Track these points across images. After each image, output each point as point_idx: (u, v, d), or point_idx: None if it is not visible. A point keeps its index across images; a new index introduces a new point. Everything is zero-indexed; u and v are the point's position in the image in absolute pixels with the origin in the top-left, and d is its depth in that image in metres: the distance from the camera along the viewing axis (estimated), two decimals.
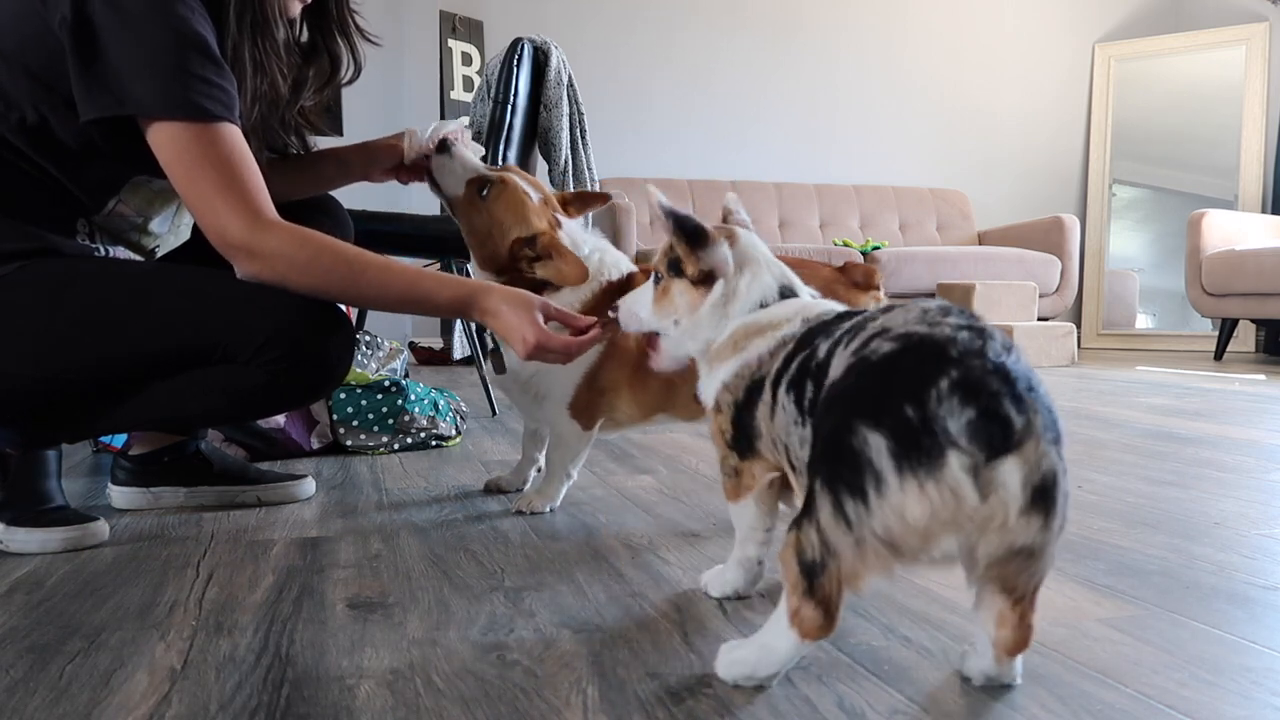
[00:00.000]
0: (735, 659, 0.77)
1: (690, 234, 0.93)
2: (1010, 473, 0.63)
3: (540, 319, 1.18)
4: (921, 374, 0.65)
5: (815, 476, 0.69)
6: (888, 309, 0.77)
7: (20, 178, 1.15)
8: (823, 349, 0.80)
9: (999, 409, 0.63)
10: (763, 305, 0.94)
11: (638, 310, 1.04)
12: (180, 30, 1.08)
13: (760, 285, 0.95)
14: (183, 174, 1.11)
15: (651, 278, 1.02)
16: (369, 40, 1.43)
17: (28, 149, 1.14)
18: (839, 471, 0.66)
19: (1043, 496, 0.64)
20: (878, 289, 1.32)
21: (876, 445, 0.64)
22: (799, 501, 0.89)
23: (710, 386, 0.97)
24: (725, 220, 1.07)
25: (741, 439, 0.93)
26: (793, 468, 0.86)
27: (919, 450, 0.62)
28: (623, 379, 1.38)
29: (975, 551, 0.65)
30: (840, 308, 0.93)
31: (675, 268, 0.97)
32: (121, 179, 1.23)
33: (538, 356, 1.18)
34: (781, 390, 0.85)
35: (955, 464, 0.62)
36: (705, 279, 0.96)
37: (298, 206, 1.45)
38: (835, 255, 4.50)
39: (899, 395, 0.65)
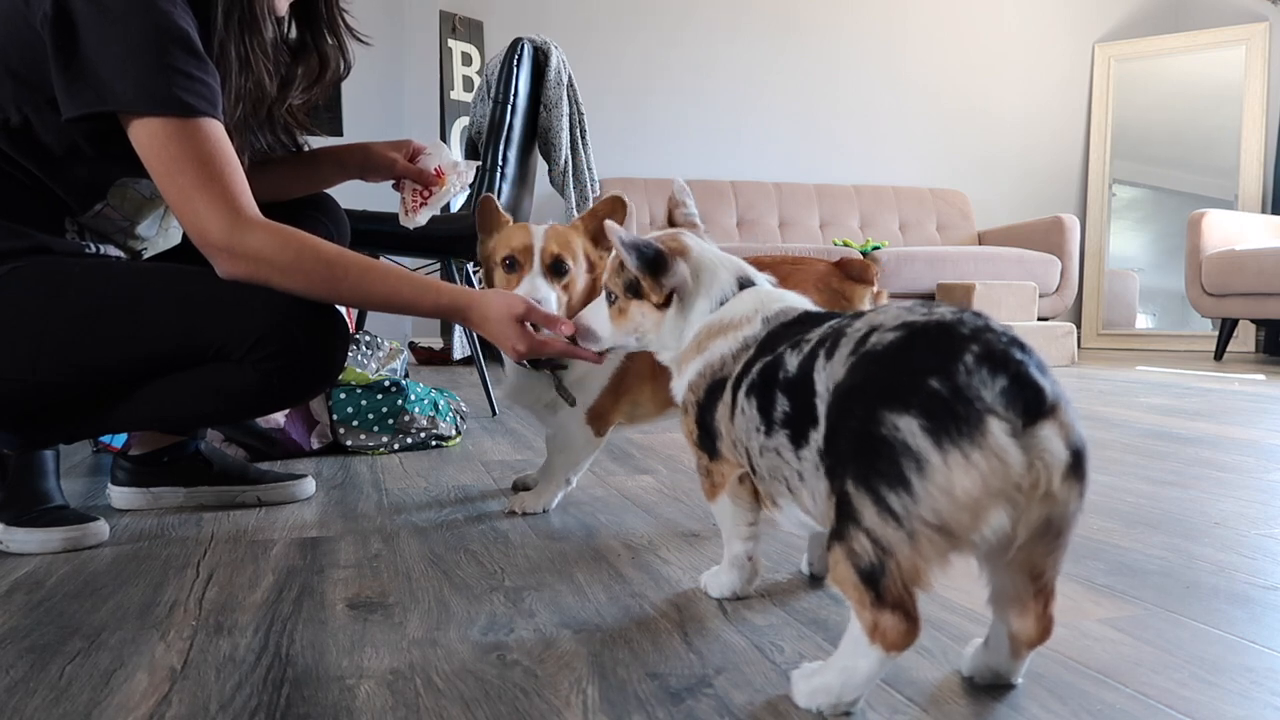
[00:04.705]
0: (816, 687, 0.72)
1: (652, 264, 0.94)
2: (1051, 436, 0.62)
3: (527, 325, 1.20)
4: (940, 352, 0.64)
5: (844, 479, 0.67)
6: (861, 314, 0.77)
7: (5, 180, 1.15)
8: (792, 361, 0.78)
9: (1029, 376, 0.63)
10: (722, 302, 0.95)
11: (596, 329, 1.06)
12: (161, 25, 1.07)
13: (719, 286, 0.96)
14: (162, 171, 1.10)
15: (604, 296, 1.04)
16: (359, 40, 1.42)
17: (11, 151, 1.13)
18: (874, 466, 0.64)
19: (1078, 461, 0.64)
20: (873, 283, 1.32)
21: (908, 427, 0.62)
22: (766, 506, 0.90)
23: (679, 388, 0.98)
24: (672, 213, 1.08)
25: (707, 438, 0.93)
26: (754, 471, 0.86)
27: (956, 420, 0.61)
28: (646, 375, 1.38)
29: (1017, 526, 0.63)
30: (801, 306, 0.93)
31: (634, 289, 0.99)
32: (106, 181, 1.22)
33: (533, 356, 1.21)
34: (741, 394, 0.84)
35: (997, 429, 0.61)
36: (668, 300, 0.97)
37: (294, 204, 1.45)
38: (835, 255, 4.49)
39: (922, 374, 0.63)
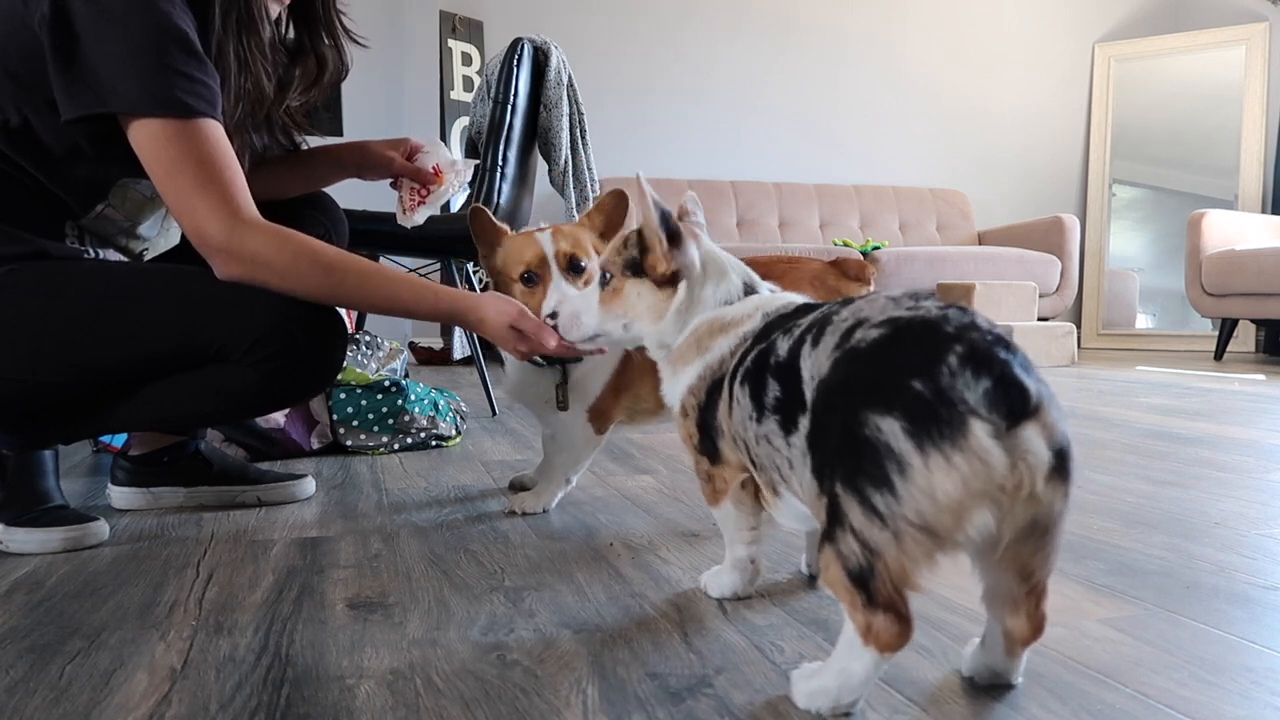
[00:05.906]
0: (815, 689, 0.72)
1: (671, 232, 0.93)
2: (1033, 437, 0.62)
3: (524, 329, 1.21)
4: (924, 352, 0.63)
5: (833, 480, 0.66)
6: (848, 302, 0.76)
7: (5, 181, 1.15)
8: (783, 346, 0.78)
9: (1013, 376, 0.62)
10: (728, 303, 0.95)
11: (581, 315, 1.01)
12: (161, 25, 1.06)
13: (727, 284, 0.95)
14: (162, 172, 1.10)
15: (598, 278, 1.01)
16: (356, 42, 1.42)
17: (11, 152, 1.13)
18: (858, 467, 0.64)
19: (1062, 462, 0.63)
20: (870, 282, 1.32)
21: (890, 429, 0.62)
22: (767, 499, 0.89)
23: (675, 390, 0.97)
24: (680, 220, 1.07)
25: (708, 442, 0.92)
26: (754, 464, 0.85)
27: (938, 423, 0.60)
28: (647, 370, 1.36)
29: (1001, 526, 0.63)
30: (800, 300, 0.92)
31: (634, 267, 0.96)
32: (108, 182, 1.22)
33: (534, 354, 1.24)
34: (737, 385, 0.84)
35: (980, 431, 0.60)
36: (670, 280, 0.95)
37: (293, 203, 1.45)
38: (834, 255, 4.50)
39: (905, 375, 0.63)
